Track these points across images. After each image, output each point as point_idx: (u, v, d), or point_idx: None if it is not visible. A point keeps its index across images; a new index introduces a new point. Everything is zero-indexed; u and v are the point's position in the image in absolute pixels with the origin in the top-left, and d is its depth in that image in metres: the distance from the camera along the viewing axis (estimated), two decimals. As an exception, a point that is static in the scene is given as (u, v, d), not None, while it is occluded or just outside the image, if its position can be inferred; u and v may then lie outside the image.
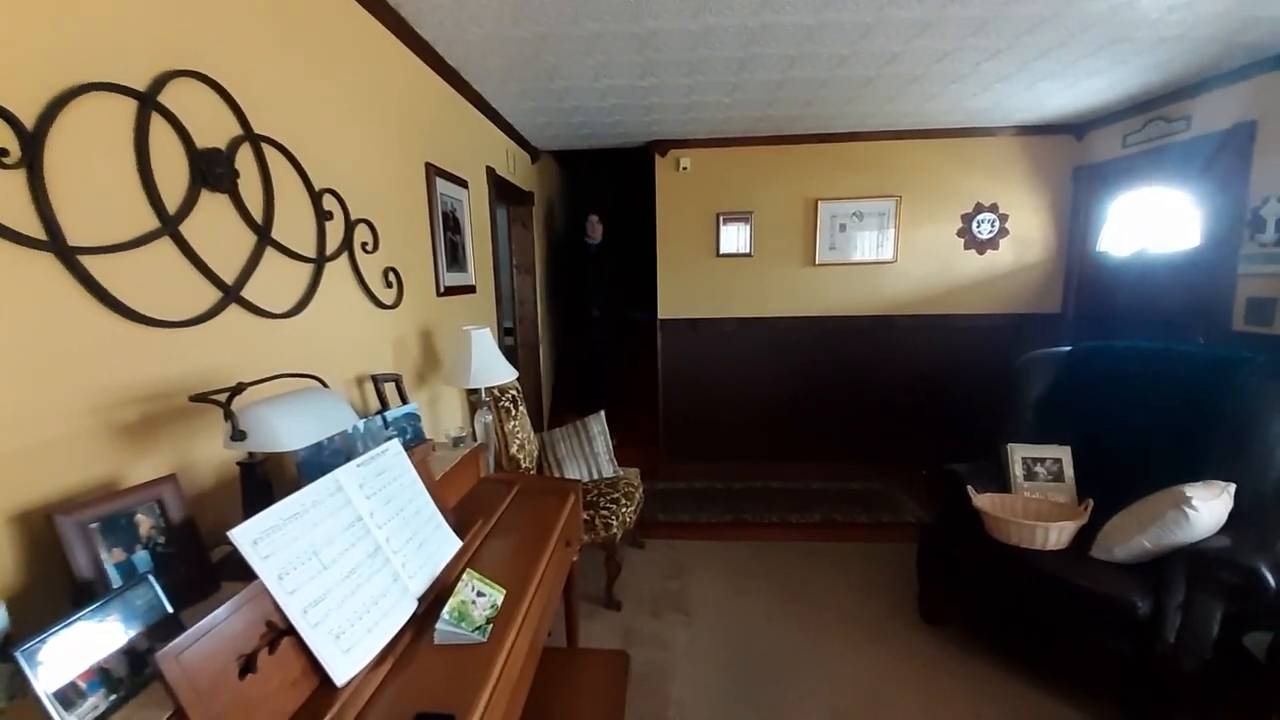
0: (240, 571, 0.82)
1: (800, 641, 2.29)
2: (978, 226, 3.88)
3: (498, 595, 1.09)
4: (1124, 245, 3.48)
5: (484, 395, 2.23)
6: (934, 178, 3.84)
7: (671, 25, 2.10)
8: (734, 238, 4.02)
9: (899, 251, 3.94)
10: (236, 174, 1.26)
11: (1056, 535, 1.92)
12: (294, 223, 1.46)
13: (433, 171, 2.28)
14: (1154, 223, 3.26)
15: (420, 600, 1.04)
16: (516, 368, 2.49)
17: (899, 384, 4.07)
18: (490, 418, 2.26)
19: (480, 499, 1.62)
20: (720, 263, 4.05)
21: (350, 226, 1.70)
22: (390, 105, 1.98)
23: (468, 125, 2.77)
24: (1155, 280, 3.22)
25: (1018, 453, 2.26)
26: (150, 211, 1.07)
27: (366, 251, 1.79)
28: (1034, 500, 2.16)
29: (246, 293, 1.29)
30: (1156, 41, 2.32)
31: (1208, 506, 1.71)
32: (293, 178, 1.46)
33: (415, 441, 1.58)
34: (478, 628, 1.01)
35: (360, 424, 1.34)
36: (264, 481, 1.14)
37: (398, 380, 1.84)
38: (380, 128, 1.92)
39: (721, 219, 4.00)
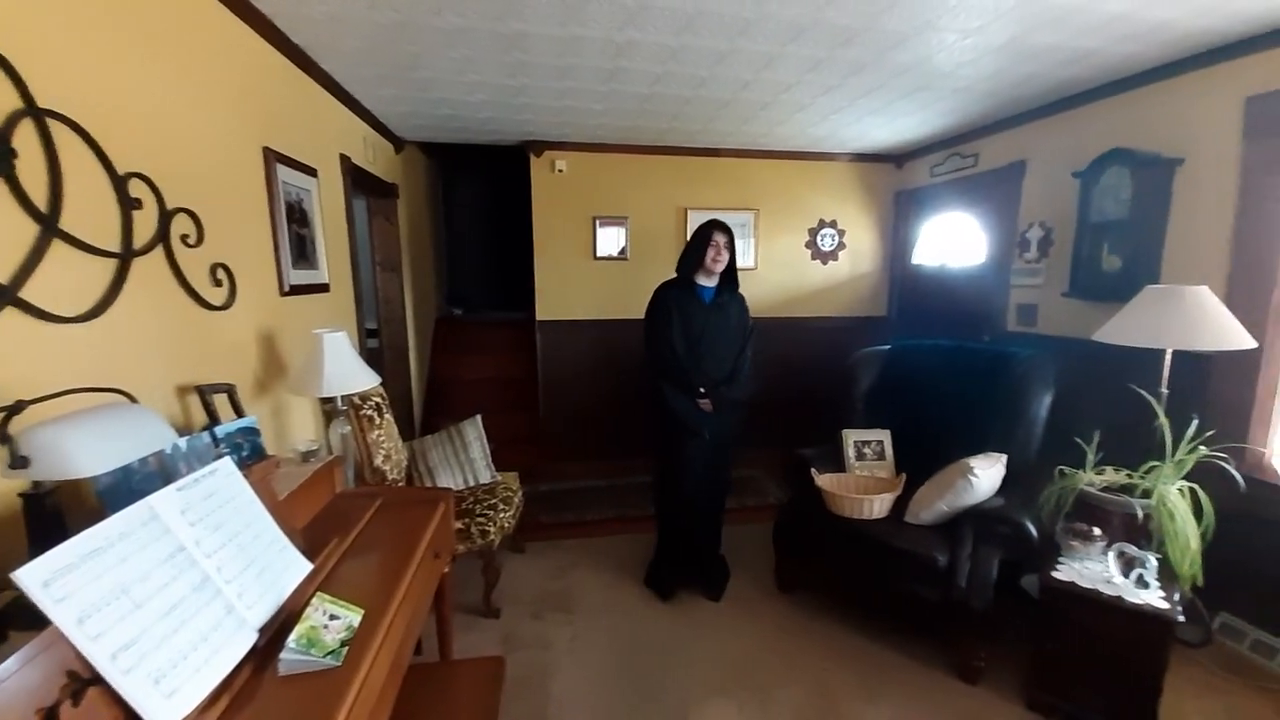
0: (32, 618, 0.71)
1: (675, 623, 2.43)
2: (821, 240, 4.37)
3: (354, 616, 1.04)
4: (933, 259, 4.13)
5: (341, 404, 2.07)
6: (785, 194, 4.25)
7: (538, 30, 2.11)
8: (611, 241, 4.11)
9: (758, 259, 4.30)
10: (14, 154, 1.06)
11: (879, 506, 2.24)
12: (91, 211, 1.26)
13: (273, 157, 2.06)
14: (953, 241, 3.92)
15: (262, 631, 0.96)
16: (381, 373, 2.34)
17: (767, 380, 4.42)
18: (348, 428, 2.11)
19: (336, 516, 1.51)
20: (597, 265, 4.12)
21: (166, 216, 1.49)
22: (219, 81, 1.76)
23: (316, 108, 2.54)
24: (954, 289, 3.88)
25: (850, 437, 2.60)
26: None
27: (188, 245, 1.58)
28: (863, 477, 2.51)
29: (26, 293, 1.09)
30: (950, 91, 2.79)
31: (987, 474, 2.10)
32: (89, 159, 1.25)
33: (254, 458, 1.43)
34: (331, 652, 0.95)
35: (181, 442, 1.19)
36: (54, 514, 0.98)
37: (230, 390, 1.65)
38: (206, 106, 1.70)
39: (598, 222, 4.07)
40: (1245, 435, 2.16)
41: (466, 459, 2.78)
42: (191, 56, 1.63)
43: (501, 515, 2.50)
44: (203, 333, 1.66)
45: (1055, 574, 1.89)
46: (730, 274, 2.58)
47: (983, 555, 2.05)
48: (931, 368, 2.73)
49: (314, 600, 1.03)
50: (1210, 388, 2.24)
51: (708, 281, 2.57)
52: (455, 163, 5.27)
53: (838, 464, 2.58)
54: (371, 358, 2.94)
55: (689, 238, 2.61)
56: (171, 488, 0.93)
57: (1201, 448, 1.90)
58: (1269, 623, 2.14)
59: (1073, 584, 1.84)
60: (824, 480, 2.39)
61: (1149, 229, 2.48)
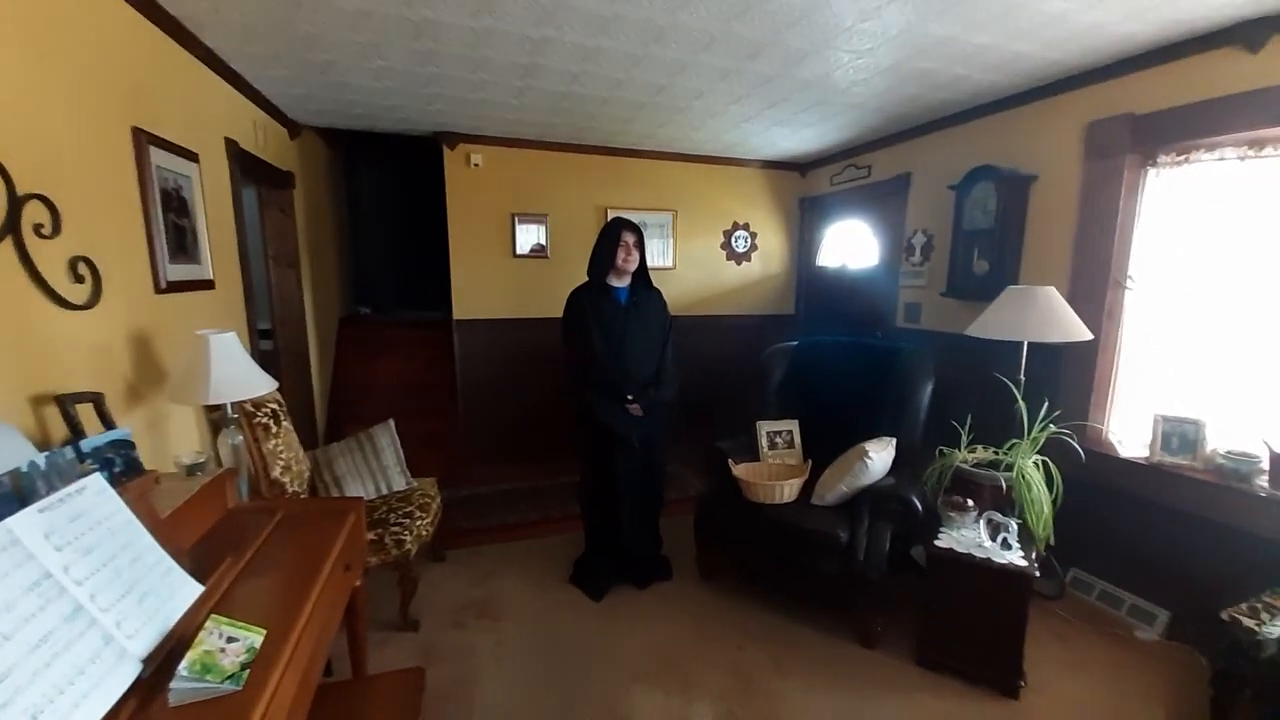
0: None
1: (599, 620, 2.46)
2: (735, 241, 4.57)
3: (255, 638, 0.98)
4: (834, 262, 4.44)
5: (231, 412, 1.90)
6: (702, 197, 4.40)
7: (449, 19, 2.05)
8: (530, 238, 4.05)
9: (677, 259, 4.42)
10: None
11: (788, 490, 2.40)
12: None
13: (144, 139, 1.85)
14: (851, 245, 4.24)
15: (148, 661, 0.88)
16: (278, 376, 2.17)
17: (688, 376, 4.54)
18: (240, 438, 1.94)
19: (231, 533, 1.39)
20: (517, 263, 4.05)
21: (16, 204, 1.30)
22: (78, 53, 1.56)
23: (196, 87, 2.30)
24: (853, 289, 4.20)
25: (764, 427, 2.75)
26: None
27: (42, 236, 1.39)
28: (775, 465, 2.66)
29: None
30: (846, 107, 3.02)
31: (879, 456, 2.31)
32: (-94, 133, 1.07)
33: (129, 474, 1.29)
34: (230, 676, 0.89)
35: (40, 458, 1.06)
36: None
37: (97, 400, 1.47)
38: (62, 82, 1.50)
39: (517, 219, 4.00)
40: (1086, 414, 2.52)
41: (378, 466, 2.64)
42: (43, 25, 1.43)
43: (418, 523, 2.40)
44: (61, 335, 1.46)
45: (937, 542, 2.12)
46: (642, 272, 2.58)
47: (878, 530, 2.25)
48: (833, 362, 2.94)
49: (208, 623, 0.95)
50: (1060, 374, 2.60)
51: (620, 282, 2.57)
52: (360, 151, 4.93)
53: (753, 454, 2.73)
54: (266, 360, 2.71)
55: (596, 239, 2.62)
56: (32, 509, 0.82)
57: (1051, 426, 2.21)
58: (1112, 575, 2.52)
59: (951, 550, 2.07)
60: (740, 470, 2.51)
61: (1010, 236, 2.83)
